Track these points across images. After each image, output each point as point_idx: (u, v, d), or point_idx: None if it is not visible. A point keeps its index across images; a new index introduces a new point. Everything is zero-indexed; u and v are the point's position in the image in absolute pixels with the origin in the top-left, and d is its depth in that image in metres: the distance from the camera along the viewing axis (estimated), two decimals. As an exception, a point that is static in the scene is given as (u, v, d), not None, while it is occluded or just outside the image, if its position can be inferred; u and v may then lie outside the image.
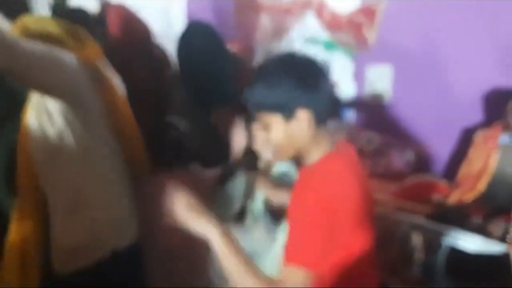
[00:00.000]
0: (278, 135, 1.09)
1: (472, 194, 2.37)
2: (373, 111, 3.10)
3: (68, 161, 1.34)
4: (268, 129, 1.10)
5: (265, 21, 3.47)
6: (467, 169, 2.48)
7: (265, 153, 1.17)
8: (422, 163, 2.84)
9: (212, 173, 1.83)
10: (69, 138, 1.31)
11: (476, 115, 2.70)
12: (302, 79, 1.05)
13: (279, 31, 3.41)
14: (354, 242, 1.09)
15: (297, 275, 0.98)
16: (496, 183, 2.35)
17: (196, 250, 1.81)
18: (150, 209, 1.80)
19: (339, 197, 1.03)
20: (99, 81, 1.39)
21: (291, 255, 1.01)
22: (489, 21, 2.59)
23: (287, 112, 1.06)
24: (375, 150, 2.96)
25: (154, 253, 1.83)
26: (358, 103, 3.17)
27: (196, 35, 1.85)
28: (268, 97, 1.06)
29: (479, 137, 2.49)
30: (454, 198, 2.41)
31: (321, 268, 1.01)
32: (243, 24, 3.57)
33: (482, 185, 2.36)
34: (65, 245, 1.38)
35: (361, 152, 2.95)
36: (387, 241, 2.32)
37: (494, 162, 2.36)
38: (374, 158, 2.93)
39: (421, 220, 2.26)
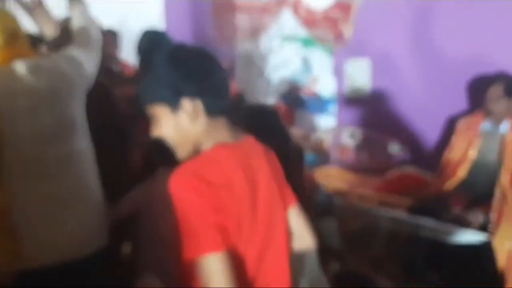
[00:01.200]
0: (168, 128, 1.06)
1: (453, 181, 2.37)
2: (354, 105, 3.10)
3: None
4: (158, 123, 1.07)
5: (243, 21, 3.46)
6: (449, 156, 2.48)
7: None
8: (407, 154, 2.84)
9: None
10: None
11: (455, 103, 2.70)
12: (187, 69, 1.03)
13: (257, 30, 3.40)
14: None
15: (208, 263, 0.93)
16: (477, 170, 2.35)
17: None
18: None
19: (219, 182, 0.98)
20: None
21: (192, 248, 0.96)
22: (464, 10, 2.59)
23: (173, 103, 1.03)
24: (358, 145, 2.97)
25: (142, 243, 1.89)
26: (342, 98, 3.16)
27: (148, 42, 2.02)
28: (154, 89, 1.04)
29: (461, 124, 2.48)
30: (435, 186, 2.42)
31: (227, 244, 0.96)
32: (222, 25, 3.55)
33: (462, 172, 2.36)
34: None
35: (344, 148, 2.96)
36: (371, 237, 2.33)
37: (475, 149, 2.36)
38: (357, 153, 2.94)
39: (401, 214, 2.27)
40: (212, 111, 1.05)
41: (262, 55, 3.38)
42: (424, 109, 2.82)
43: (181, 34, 3.60)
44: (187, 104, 1.02)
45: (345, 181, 2.68)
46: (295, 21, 3.20)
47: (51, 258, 1.44)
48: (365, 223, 2.36)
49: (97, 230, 1.56)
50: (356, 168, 2.82)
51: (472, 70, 2.62)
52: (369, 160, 2.88)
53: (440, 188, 2.38)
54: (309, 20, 3.13)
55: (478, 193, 2.28)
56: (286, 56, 3.29)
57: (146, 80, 1.06)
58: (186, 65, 1.04)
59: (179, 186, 0.97)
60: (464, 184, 2.36)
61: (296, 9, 3.19)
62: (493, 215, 2.11)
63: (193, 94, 1.02)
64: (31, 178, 1.42)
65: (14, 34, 1.46)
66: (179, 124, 1.05)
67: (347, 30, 2.96)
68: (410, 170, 2.63)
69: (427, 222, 2.16)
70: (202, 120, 1.04)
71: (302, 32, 3.20)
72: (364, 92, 2.97)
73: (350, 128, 3.02)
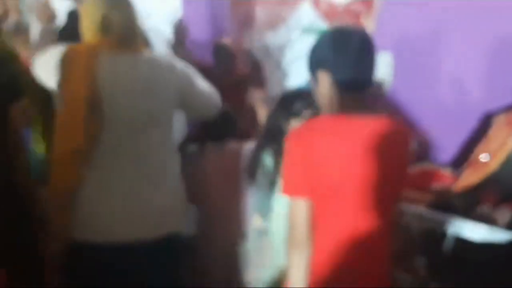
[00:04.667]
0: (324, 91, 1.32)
1: (483, 172, 2.29)
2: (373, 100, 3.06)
3: None
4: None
5: (260, 12, 3.42)
6: (483, 148, 2.37)
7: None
8: (424, 151, 2.80)
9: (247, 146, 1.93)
10: None
11: (478, 101, 2.65)
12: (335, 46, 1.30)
13: (276, 22, 3.36)
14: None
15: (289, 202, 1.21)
16: (511, 165, 2.23)
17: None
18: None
19: (317, 142, 1.19)
20: None
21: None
22: (487, 6, 2.55)
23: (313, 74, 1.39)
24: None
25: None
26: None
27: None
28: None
29: (501, 118, 2.38)
30: (463, 179, 2.35)
31: (305, 191, 1.20)
32: (239, 17, 3.52)
33: (494, 163, 2.24)
34: None
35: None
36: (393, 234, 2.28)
37: None
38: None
39: (423, 210, 2.22)
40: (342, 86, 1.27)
41: (279, 47, 3.34)
42: (450, 104, 2.78)
43: (199, 27, 3.58)
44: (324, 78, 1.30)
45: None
46: (315, 14, 3.17)
47: (113, 236, 1.50)
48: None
49: (172, 215, 1.62)
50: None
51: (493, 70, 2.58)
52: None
53: (468, 179, 2.31)
54: (329, 13, 3.09)
55: (509, 189, 2.21)
56: (303, 48, 3.25)
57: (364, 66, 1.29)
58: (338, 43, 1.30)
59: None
60: (496, 179, 2.24)
61: (316, 2, 3.16)
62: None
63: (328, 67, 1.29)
64: (124, 157, 1.54)
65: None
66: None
67: (369, 24, 2.92)
68: (431, 166, 2.60)
69: (450, 218, 2.12)
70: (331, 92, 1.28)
71: (321, 24, 3.16)
72: (385, 86, 2.93)
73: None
